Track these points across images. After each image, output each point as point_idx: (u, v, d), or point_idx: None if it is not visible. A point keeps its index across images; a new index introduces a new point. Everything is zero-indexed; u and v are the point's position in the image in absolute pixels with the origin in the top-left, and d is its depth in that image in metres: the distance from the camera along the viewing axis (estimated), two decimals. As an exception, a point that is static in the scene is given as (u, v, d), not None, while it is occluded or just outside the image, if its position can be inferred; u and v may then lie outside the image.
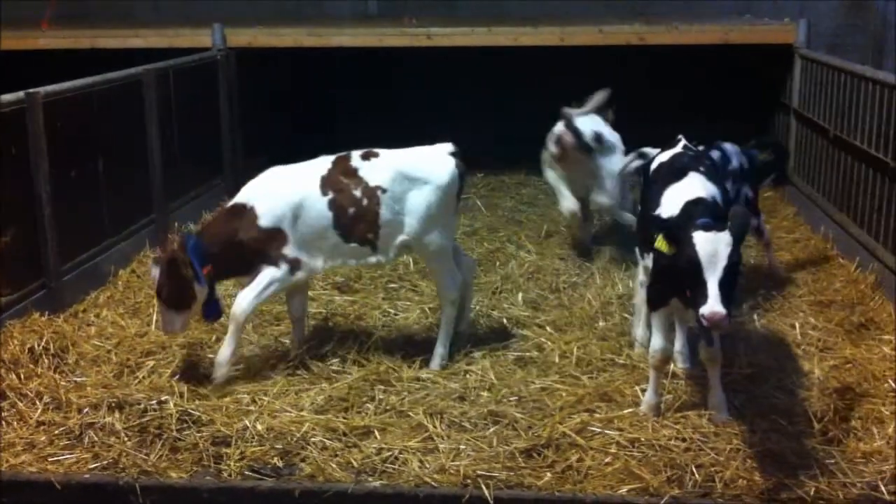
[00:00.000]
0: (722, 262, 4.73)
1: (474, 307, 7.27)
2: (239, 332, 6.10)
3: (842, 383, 5.92)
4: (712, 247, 4.75)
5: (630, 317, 6.87)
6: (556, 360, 6.36)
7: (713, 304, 4.66)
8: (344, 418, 5.60)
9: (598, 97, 8.48)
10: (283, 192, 6.15)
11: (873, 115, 7.85)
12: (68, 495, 5.01)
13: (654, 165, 6.11)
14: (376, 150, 6.33)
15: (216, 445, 5.36)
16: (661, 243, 5.03)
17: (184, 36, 11.05)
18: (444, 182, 6.23)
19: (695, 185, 5.43)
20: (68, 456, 5.26)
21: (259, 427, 5.47)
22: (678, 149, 6.07)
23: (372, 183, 6.16)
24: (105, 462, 5.21)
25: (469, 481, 4.97)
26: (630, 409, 5.63)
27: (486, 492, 4.86)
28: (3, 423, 5.56)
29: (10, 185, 6.81)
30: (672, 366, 6.05)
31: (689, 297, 4.96)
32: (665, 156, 6.04)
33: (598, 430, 5.40)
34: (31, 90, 7.00)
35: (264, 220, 6.07)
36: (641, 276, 6.34)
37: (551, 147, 8.41)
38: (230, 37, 10.90)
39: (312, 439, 5.37)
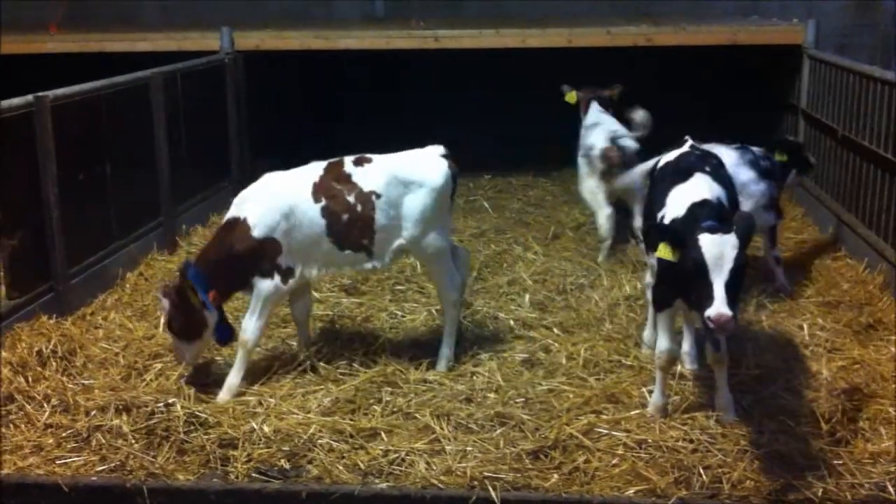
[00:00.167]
0: (728, 264, 4.72)
1: (480, 309, 7.28)
2: (247, 358, 6.11)
3: (850, 384, 5.90)
4: (718, 249, 4.74)
5: (637, 318, 6.85)
6: (563, 361, 6.35)
7: (719, 307, 4.65)
8: (351, 420, 5.60)
9: (641, 116, 8.64)
10: (275, 200, 6.10)
11: (881, 116, 7.83)
12: (76, 498, 5.03)
13: (659, 165, 6.10)
14: (368, 155, 6.30)
15: (223, 448, 5.37)
16: (663, 251, 5.00)
17: (192, 39, 11.08)
18: (438, 184, 6.20)
19: (700, 187, 5.41)
20: (76, 458, 5.28)
21: (266, 429, 5.48)
22: (685, 149, 6.05)
23: (366, 188, 6.13)
24: (112, 464, 5.22)
25: (476, 483, 4.97)
26: (637, 411, 5.63)
27: (493, 493, 4.86)
28: (12, 425, 5.58)
29: (19, 189, 6.84)
30: (679, 367, 6.04)
31: (693, 299, 4.95)
32: (671, 156, 6.03)
33: (605, 431, 5.40)
34: (39, 94, 7.03)
35: (257, 231, 6.03)
36: (648, 278, 6.33)
37: (597, 162, 8.48)
38: (238, 40, 10.92)
39: (319, 441, 5.37)
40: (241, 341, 6.10)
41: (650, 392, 5.75)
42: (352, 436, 5.43)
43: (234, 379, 6.05)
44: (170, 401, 5.78)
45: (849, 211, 8.58)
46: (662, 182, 5.76)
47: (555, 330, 6.88)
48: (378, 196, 6.11)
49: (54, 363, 6.25)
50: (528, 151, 12.06)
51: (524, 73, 12.27)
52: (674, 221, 5.25)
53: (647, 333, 6.50)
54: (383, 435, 5.44)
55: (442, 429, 5.47)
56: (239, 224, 6.09)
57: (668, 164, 5.96)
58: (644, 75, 11.59)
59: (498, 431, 5.46)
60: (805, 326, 6.80)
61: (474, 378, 6.17)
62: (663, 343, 5.54)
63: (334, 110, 13.76)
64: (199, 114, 9.80)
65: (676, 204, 5.37)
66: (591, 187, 8.63)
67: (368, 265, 6.26)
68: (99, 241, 7.85)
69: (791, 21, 11.14)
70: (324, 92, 13.67)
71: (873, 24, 13.02)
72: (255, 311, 6.09)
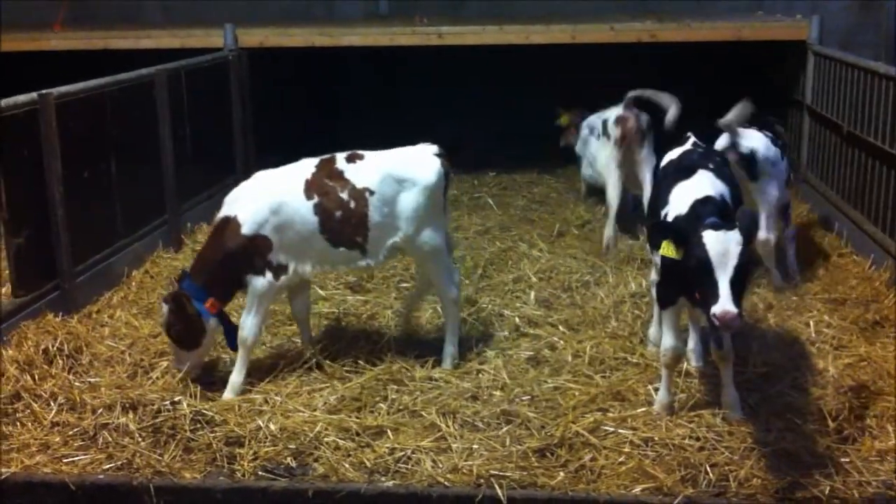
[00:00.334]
0: (733, 261, 4.70)
1: (486, 306, 7.28)
2: (248, 356, 6.11)
3: (856, 381, 5.89)
4: (723, 246, 4.73)
5: (642, 315, 6.85)
6: (569, 359, 6.35)
7: (725, 304, 4.64)
8: (357, 418, 5.60)
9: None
10: (264, 197, 6.08)
11: (887, 112, 7.81)
12: (82, 496, 5.04)
13: (663, 162, 6.09)
14: (361, 151, 6.28)
15: (229, 446, 5.38)
16: (667, 249, 4.99)
17: (195, 36, 11.07)
18: (431, 182, 6.18)
19: (703, 184, 5.40)
20: (82, 457, 5.28)
21: (272, 427, 5.48)
22: (687, 146, 6.04)
23: (359, 185, 6.11)
24: (119, 462, 5.23)
25: (482, 481, 4.97)
26: (643, 408, 5.63)
27: (499, 491, 4.86)
28: (18, 423, 5.59)
29: (24, 187, 6.84)
30: (685, 364, 6.04)
31: (698, 296, 4.94)
32: (674, 153, 6.02)
33: (612, 429, 5.40)
34: (43, 91, 7.03)
35: (246, 228, 6.01)
36: (653, 275, 6.32)
37: (612, 129, 8.79)
38: (242, 37, 10.91)
39: (325, 439, 5.37)
40: (240, 339, 6.09)
41: (656, 390, 5.74)
42: (358, 434, 5.43)
43: (236, 377, 6.05)
44: (176, 399, 5.79)
45: (854, 208, 8.57)
46: (665, 179, 5.75)
47: (560, 327, 6.87)
48: (371, 193, 6.09)
49: (60, 361, 6.26)
50: (532, 148, 12.04)
51: (527, 69, 12.28)
52: (677, 219, 5.24)
53: (652, 331, 6.49)
54: (389, 433, 5.44)
55: (448, 427, 5.47)
56: (229, 223, 6.08)
57: (670, 161, 5.95)
58: (648, 72, 11.57)
59: (504, 429, 5.46)
60: (811, 324, 6.79)
61: (480, 376, 6.17)
62: (668, 340, 5.53)
63: (338, 107, 13.77)
64: (203, 111, 9.80)
65: (679, 201, 5.36)
66: (606, 156, 8.91)
67: (362, 263, 6.23)
68: (104, 239, 7.86)
69: (795, 17, 11.11)
70: (328, 89, 13.67)
71: (876, 23, 12.97)
72: (252, 308, 6.09)
